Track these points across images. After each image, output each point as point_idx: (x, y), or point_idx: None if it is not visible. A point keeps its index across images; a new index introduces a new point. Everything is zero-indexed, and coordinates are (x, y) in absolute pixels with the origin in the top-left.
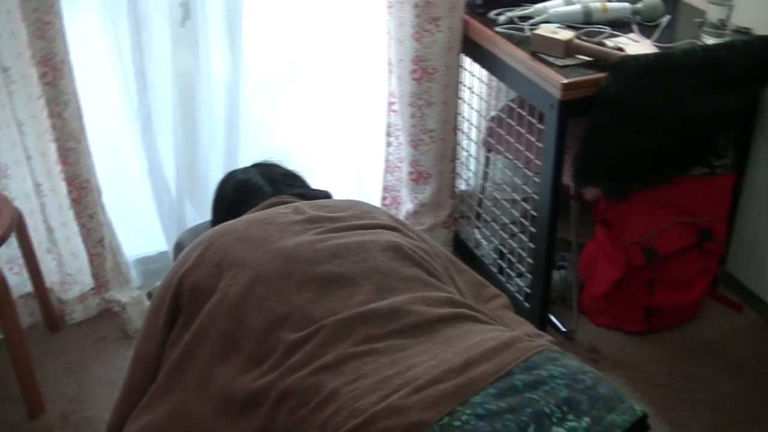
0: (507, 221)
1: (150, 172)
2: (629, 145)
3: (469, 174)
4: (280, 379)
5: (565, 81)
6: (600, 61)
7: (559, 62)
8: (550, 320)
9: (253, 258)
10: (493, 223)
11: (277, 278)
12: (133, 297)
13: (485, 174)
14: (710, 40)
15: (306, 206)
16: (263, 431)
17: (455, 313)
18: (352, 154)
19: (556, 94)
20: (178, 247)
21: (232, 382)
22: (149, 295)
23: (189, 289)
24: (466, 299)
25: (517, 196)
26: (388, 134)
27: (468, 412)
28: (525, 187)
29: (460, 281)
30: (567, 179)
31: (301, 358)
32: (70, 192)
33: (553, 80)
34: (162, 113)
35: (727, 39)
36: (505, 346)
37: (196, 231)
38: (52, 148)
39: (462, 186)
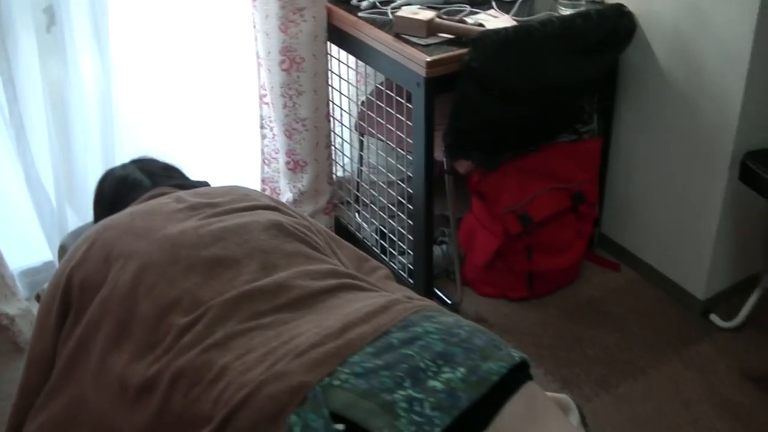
0: (386, 203)
1: (27, 181)
2: (496, 116)
3: (345, 160)
4: (173, 361)
5: (429, 59)
6: (461, 38)
7: (422, 42)
8: (436, 294)
9: (139, 248)
10: (372, 206)
11: (165, 265)
12: (21, 309)
13: (360, 158)
14: (566, 11)
15: (186, 195)
16: (160, 413)
17: (339, 284)
18: (229, 149)
19: (422, 72)
20: (62, 250)
21: (126, 370)
22: (38, 298)
23: (78, 285)
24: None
25: (394, 178)
26: (262, 126)
27: (347, 371)
28: (401, 168)
29: (342, 256)
30: (439, 155)
31: (192, 339)
32: None
33: (417, 59)
34: (35, 121)
35: (581, 9)
36: (384, 308)
37: (78, 233)
38: None
39: (339, 172)
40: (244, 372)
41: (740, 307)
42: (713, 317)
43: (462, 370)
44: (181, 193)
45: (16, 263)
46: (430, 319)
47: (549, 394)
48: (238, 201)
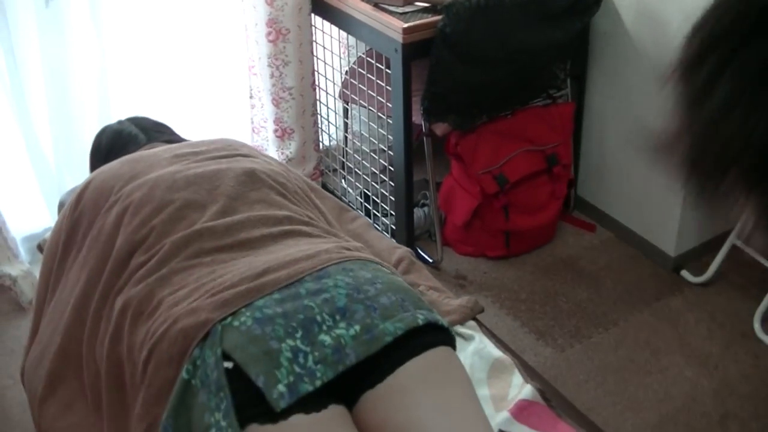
0: (372, 170)
1: (28, 150)
2: (470, 80)
3: (332, 129)
4: (126, 291)
5: (406, 25)
6: (436, 5)
7: (399, 10)
8: (418, 253)
9: (124, 191)
10: (357, 172)
11: (141, 206)
12: (23, 270)
13: (346, 125)
14: None
15: (174, 146)
16: (116, 333)
17: (287, 230)
18: (220, 118)
19: (398, 38)
20: (60, 205)
21: (96, 301)
22: (40, 248)
23: (74, 227)
24: (329, 219)
25: (379, 144)
26: (251, 96)
27: (248, 314)
28: (385, 134)
29: (322, 206)
30: (417, 118)
31: (144, 272)
32: None
33: (394, 26)
34: (34, 91)
35: None
36: (308, 257)
37: (75, 190)
38: None
39: (327, 141)
40: (171, 306)
41: (710, 264)
42: (684, 273)
43: (357, 327)
44: (171, 145)
45: (18, 229)
46: (347, 273)
47: (494, 352)
48: (219, 150)
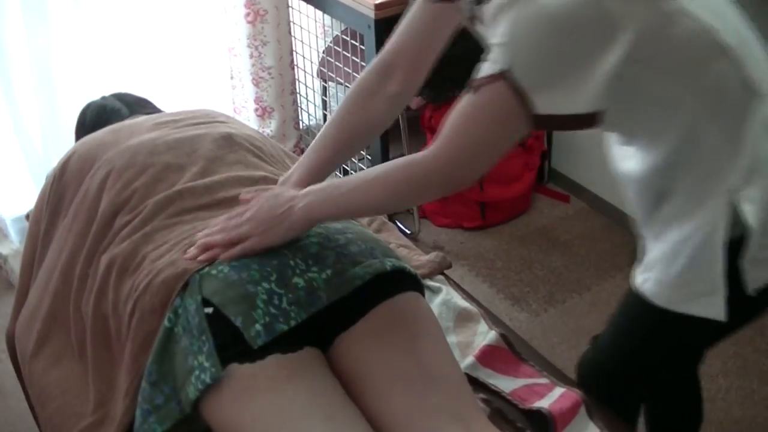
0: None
1: (16, 131)
2: (443, 54)
3: (312, 108)
4: (111, 249)
5: (378, 1)
6: None
7: None
8: (396, 225)
9: (107, 157)
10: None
11: (123, 170)
12: (13, 249)
13: (324, 103)
14: None
15: (155, 116)
16: (101, 289)
17: (263, 188)
18: (202, 100)
19: (371, 14)
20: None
21: (83, 261)
22: (27, 217)
23: (60, 195)
24: None
25: None
26: (232, 77)
27: (225, 263)
28: None
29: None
30: None
31: (128, 231)
32: None
33: (367, 3)
34: (21, 75)
35: None
36: None
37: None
38: None
39: (306, 120)
40: (154, 260)
41: None
42: None
43: (328, 272)
44: (152, 115)
45: (7, 210)
46: (318, 224)
47: (460, 302)
48: (198, 117)
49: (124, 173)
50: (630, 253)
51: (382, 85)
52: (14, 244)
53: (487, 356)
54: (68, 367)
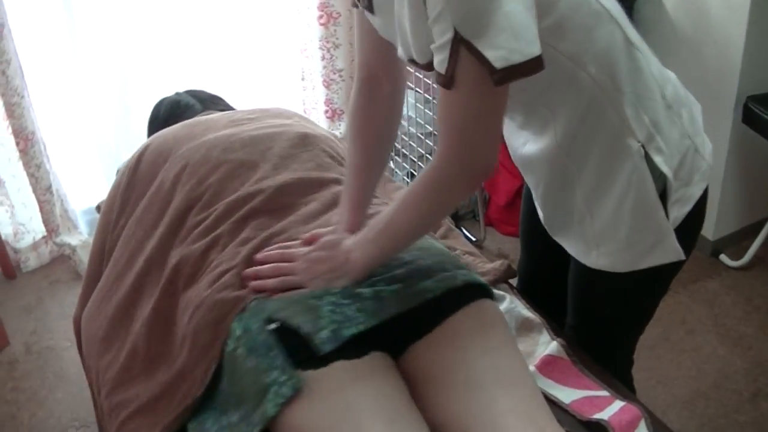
0: (420, 151)
1: (88, 126)
2: None
3: None
4: (182, 248)
5: None
6: None
7: None
8: (461, 232)
9: (181, 152)
10: (405, 153)
11: (198, 165)
12: (82, 240)
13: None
14: None
15: (230, 112)
16: (165, 290)
17: (335, 194)
18: (273, 100)
19: None
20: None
21: (152, 252)
22: (98, 209)
23: (132, 186)
24: None
25: (430, 128)
26: (303, 78)
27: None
28: (436, 118)
29: None
30: None
31: (200, 232)
32: (17, 144)
33: None
34: (93, 68)
35: None
36: None
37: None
38: None
39: None
40: (213, 269)
41: (748, 248)
42: (722, 257)
43: (397, 285)
44: (227, 112)
45: (79, 204)
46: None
47: (523, 312)
48: (273, 116)
49: (199, 169)
50: (695, 269)
51: (372, 93)
52: (83, 235)
53: (548, 366)
54: (127, 358)
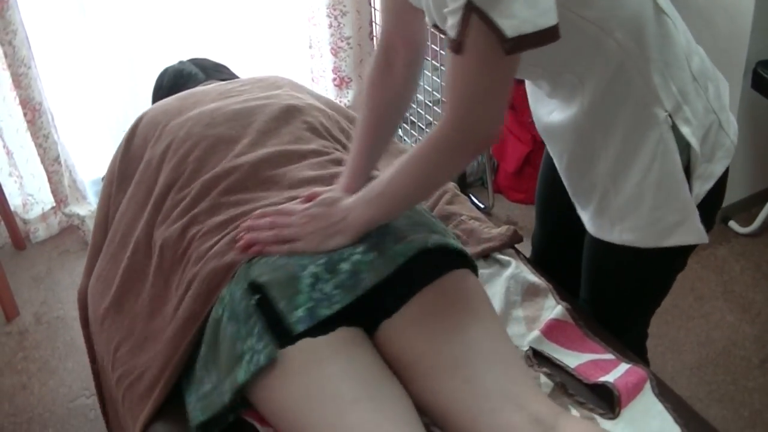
0: (428, 118)
1: (96, 96)
2: None
3: None
4: (164, 228)
5: None
6: None
7: None
8: (470, 199)
9: (168, 128)
10: (414, 121)
11: (181, 141)
12: (91, 211)
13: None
14: None
15: (223, 83)
16: (158, 268)
17: (321, 191)
18: (280, 69)
19: None
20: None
21: (139, 233)
22: (103, 180)
23: (127, 159)
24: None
25: (439, 96)
26: (310, 46)
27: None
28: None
29: None
30: None
31: (178, 213)
32: (25, 114)
33: None
34: (101, 38)
35: None
36: None
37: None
38: (6, 75)
39: None
40: (200, 249)
41: (758, 215)
42: (732, 224)
43: (373, 253)
44: (221, 83)
45: (88, 175)
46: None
47: (529, 277)
48: (263, 88)
49: (182, 146)
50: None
51: (390, 62)
52: (92, 205)
53: (553, 330)
54: (130, 339)
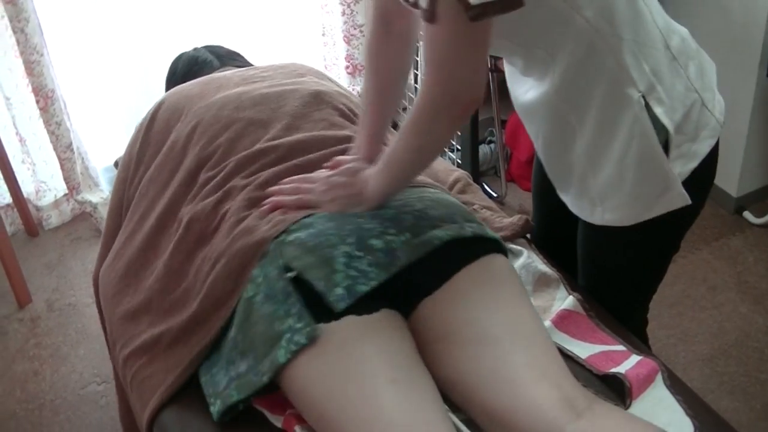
0: None
1: (109, 83)
2: None
3: None
4: (193, 205)
5: None
6: None
7: None
8: (483, 189)
9: (194, 110)
10: None
11: (208, 124)
12: (103, 198)
13: (416, 63)
14: None
15: (243, 69)
16: (177, 247)
17: (342, 149)
18: (293, 56)
19: None
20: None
21: (164, 209)
22: (116, 165)
23: (147, 143)
24: None
25: None
26: (323, 34)
27: (301, 229)
28: None
29: None
30: None
31: (210, 188)
32: (37, 102)
33: None
34: (114, 24)
35: None
36: None
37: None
38: (18, 63)
39: None
40: (231, 224)
41: None
42: (746, 214)
43: (407, 234)
44: (241, 69)
45: (99, 161)
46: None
47: (540, 267)
48: (286, 74)
49: (210, 128)
50: (718, 226)
51: (386, 29)
52: (104, 192)
53: (564, 321)
54: (140, 311)
